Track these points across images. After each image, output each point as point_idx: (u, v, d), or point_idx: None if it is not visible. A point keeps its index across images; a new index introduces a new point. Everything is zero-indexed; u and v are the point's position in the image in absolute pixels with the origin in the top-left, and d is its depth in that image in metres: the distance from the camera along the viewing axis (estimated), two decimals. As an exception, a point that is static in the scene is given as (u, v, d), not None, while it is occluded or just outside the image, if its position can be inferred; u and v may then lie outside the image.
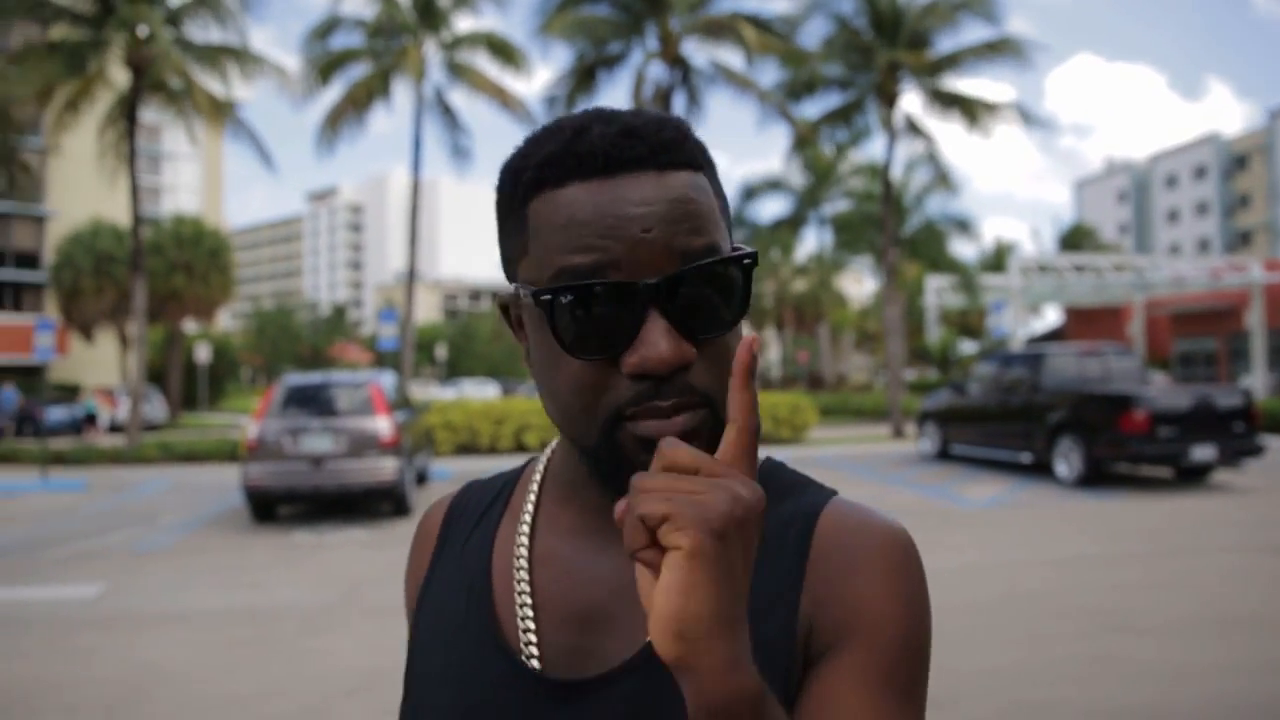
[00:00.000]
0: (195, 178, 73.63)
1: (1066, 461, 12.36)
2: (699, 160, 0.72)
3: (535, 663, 0.75)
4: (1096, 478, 12.11)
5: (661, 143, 0.69)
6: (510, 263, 0.74)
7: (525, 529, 0.81)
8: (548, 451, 0.87)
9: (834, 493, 0.79)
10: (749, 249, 0.69)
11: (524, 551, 0.79)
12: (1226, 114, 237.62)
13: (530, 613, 0.77)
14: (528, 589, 0.78)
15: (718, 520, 0.51)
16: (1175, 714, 4.44)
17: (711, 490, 0.52)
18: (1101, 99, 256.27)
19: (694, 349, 0.67)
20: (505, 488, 0.89)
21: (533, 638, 0.76)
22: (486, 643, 0.78)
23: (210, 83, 20.20)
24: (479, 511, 0.88)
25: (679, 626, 0.51)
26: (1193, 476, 12.70)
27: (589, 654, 0.74)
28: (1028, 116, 21.40)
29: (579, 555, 0.77)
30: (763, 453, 0.77)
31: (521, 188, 0.71)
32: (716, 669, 0.52)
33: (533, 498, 0.83)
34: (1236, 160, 74.69)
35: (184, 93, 19.26)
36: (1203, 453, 11.72)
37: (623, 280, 0.66)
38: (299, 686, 5.07)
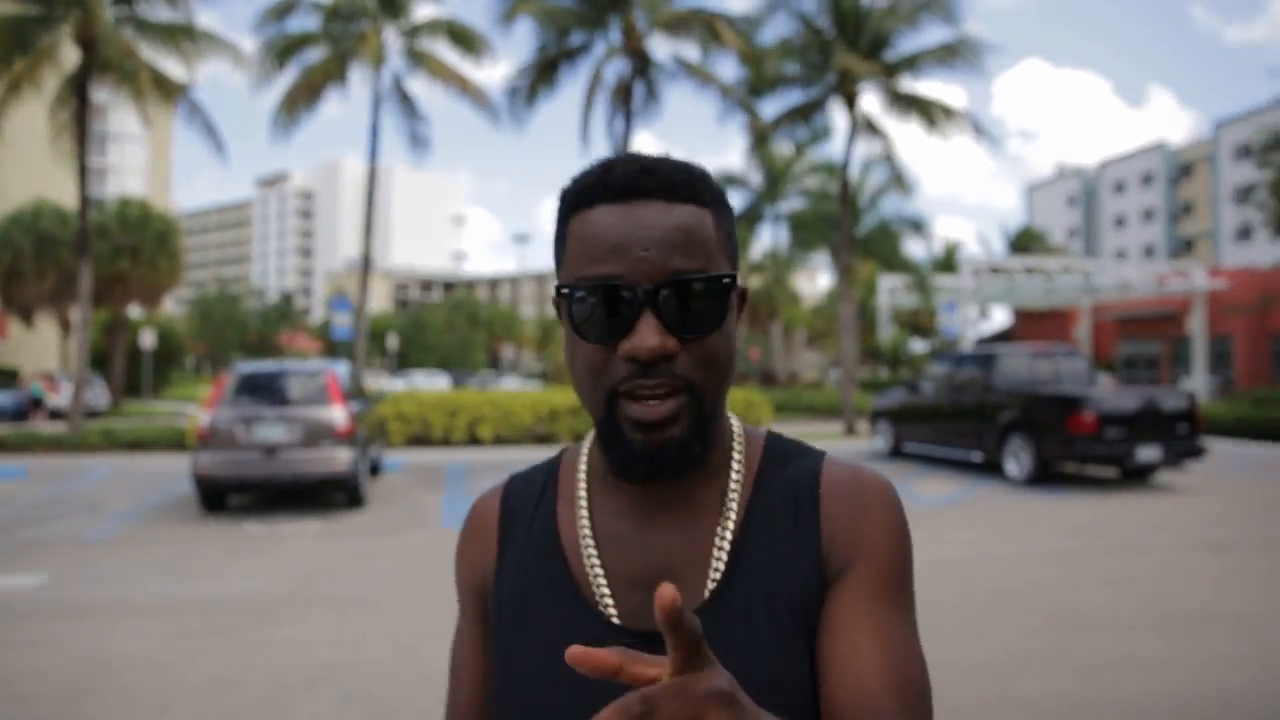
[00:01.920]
0: (142, 159, 72.04)
1: (1017, 460, 12.58)
2: (706, 199, 0.90)
3: (615, 620, 0.91)
4: (1045, 477, 12.33)
5: (672, 181, 0.88)
6: (556, 268, 0.93)
7: (584, 512, 0.97)
8: (586, 444, 1.03)
9: (824, 453, 0.98)
10: (729, 272, 0.87)
11: (588, 531, 0.95)
12: (1170, 121, 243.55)
13: (603, 579, 0.93)
14: (597, 561, 0.94)
15: None
16: (1123, 706, 4.54)
17: None
18: (1049, 104, 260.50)
19: (677, 343, 0.84)
20: (548, 477, 1.04)
21: (609, 600, 0.92)
22: (571, 606, 0.93)
23: (163, 63, 19.78)
24: (533, 499, 1.02)
25: None
26: (1138, 476, 12.99)
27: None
28: (980, 128, 21.68)
29: (634, 533, 0.94)
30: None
31: (565, 208, 0.91)
32: None
33: (583, 485, 0.99)
34: (1182, 169, 76.40)
35: (134, 73, 18.79)
36: (1148, 453, 11.99)
37: (623, 285, 0.84)
38: (256, 678, 4.99)
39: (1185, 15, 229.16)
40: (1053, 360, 13.87)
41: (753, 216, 36.84)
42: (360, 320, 21.87)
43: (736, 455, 0.97)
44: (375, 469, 13.45)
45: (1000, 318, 46.72)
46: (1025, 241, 54.61)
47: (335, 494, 11.23)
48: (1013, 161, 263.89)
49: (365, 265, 22.37)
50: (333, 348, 46.38)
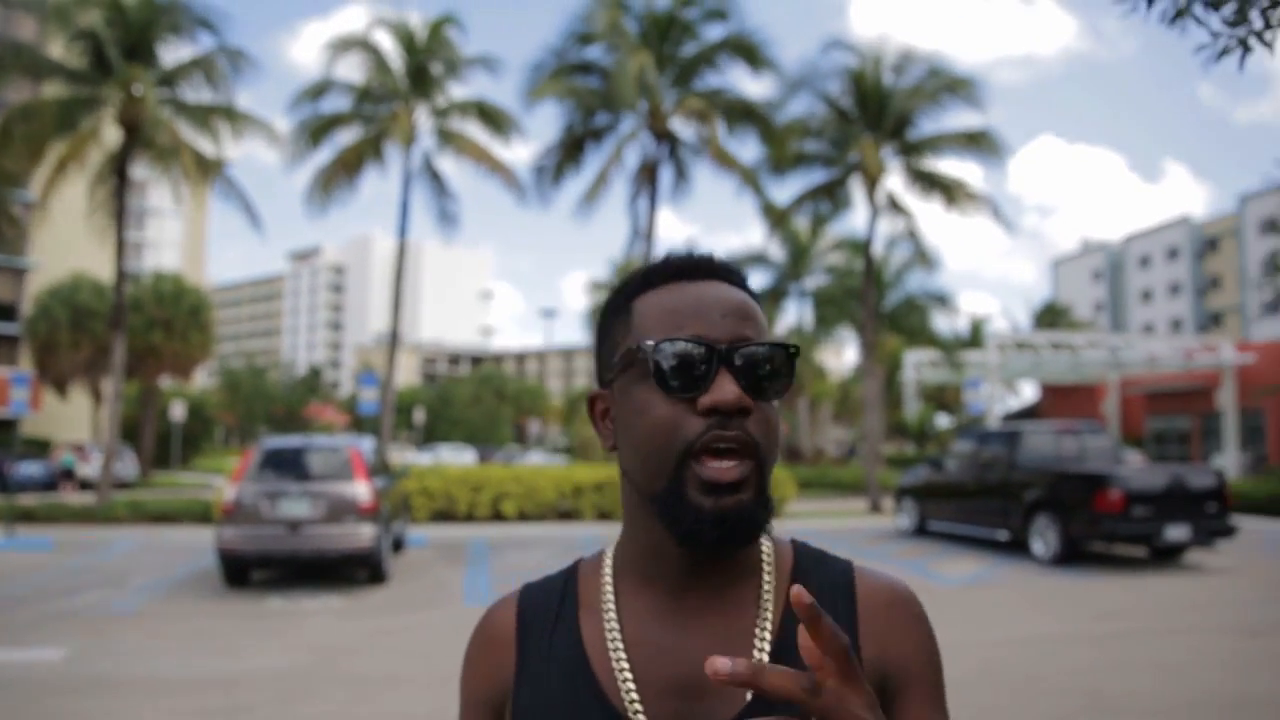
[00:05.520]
0: (178, 234, 73.73)
1: (1043, 539, 12.41)
2: (752, 292, 0.99)
3: None
4: (1073, 556, 12.15)
5: (726, 268, 0.98)
6: (612, 351, 0.97)
7: (612, 617, 0.96)
8: (611, 549, 1.03)
9: (849, 562, 1.01)
10: (795, 345, 0.92)
11: (617, 636, 0.94)
12: (1187, 195, 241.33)
13: (633, 688, 0.91)
14: (627, 668, 0.92)
15: None
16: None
17: None
18: (1064, 180, 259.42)
19: (752, 401, 0.88)
20: (567, 586, 1.03)
21: (639, 708, 0.90)
22: (600, 716, 0.91)
23: (200, 142, 20.42)
24: (553, 609, 1.01)
25: None
26: (1166, 556, 12.77)
27: (694, 717, 0.90)
28: (997, 211, 21.91)
29: (666, 636, 0.94)
30: None
31: (628, 292, 0.97)
32: None
33: (610, 589, 0.98)
34: (1208, 243, 76.15)
35: (173, 152, 19.42)
36: (1176, 532, 11.80)
37: (707, 341, 0.89)
38: (271, 758, 4.99)
39: (1194, 94, 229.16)
40: (1078, 437, 13.76)
41: (777, 293, 37.03)
42: (387, 395, 22.07)
43: (766, 556, 0.99)
44: (399, 545, 13.45)
45: (1028, 393, 46.39)
46: (1050, 317, 54.40)
47: (358, 570, 11.24)
48: (1031, 237, 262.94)
49: (393, 340, 22.64)
50: (360, 421, 46.72)
